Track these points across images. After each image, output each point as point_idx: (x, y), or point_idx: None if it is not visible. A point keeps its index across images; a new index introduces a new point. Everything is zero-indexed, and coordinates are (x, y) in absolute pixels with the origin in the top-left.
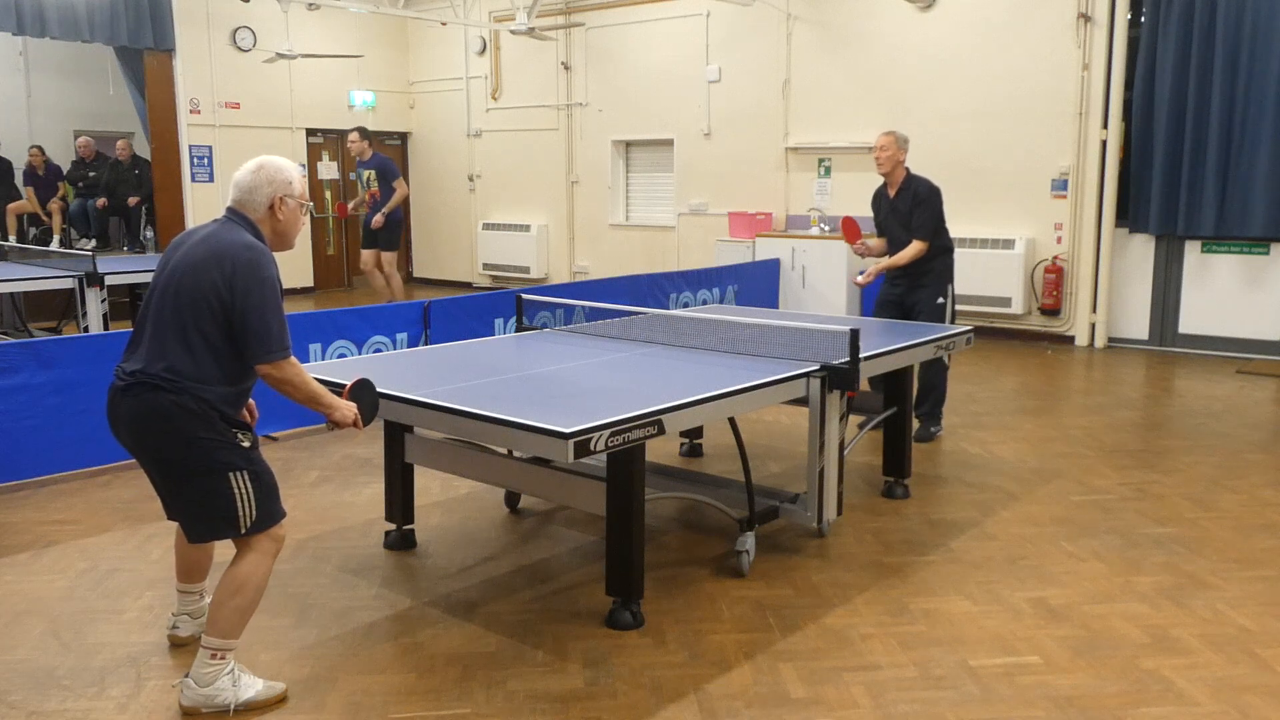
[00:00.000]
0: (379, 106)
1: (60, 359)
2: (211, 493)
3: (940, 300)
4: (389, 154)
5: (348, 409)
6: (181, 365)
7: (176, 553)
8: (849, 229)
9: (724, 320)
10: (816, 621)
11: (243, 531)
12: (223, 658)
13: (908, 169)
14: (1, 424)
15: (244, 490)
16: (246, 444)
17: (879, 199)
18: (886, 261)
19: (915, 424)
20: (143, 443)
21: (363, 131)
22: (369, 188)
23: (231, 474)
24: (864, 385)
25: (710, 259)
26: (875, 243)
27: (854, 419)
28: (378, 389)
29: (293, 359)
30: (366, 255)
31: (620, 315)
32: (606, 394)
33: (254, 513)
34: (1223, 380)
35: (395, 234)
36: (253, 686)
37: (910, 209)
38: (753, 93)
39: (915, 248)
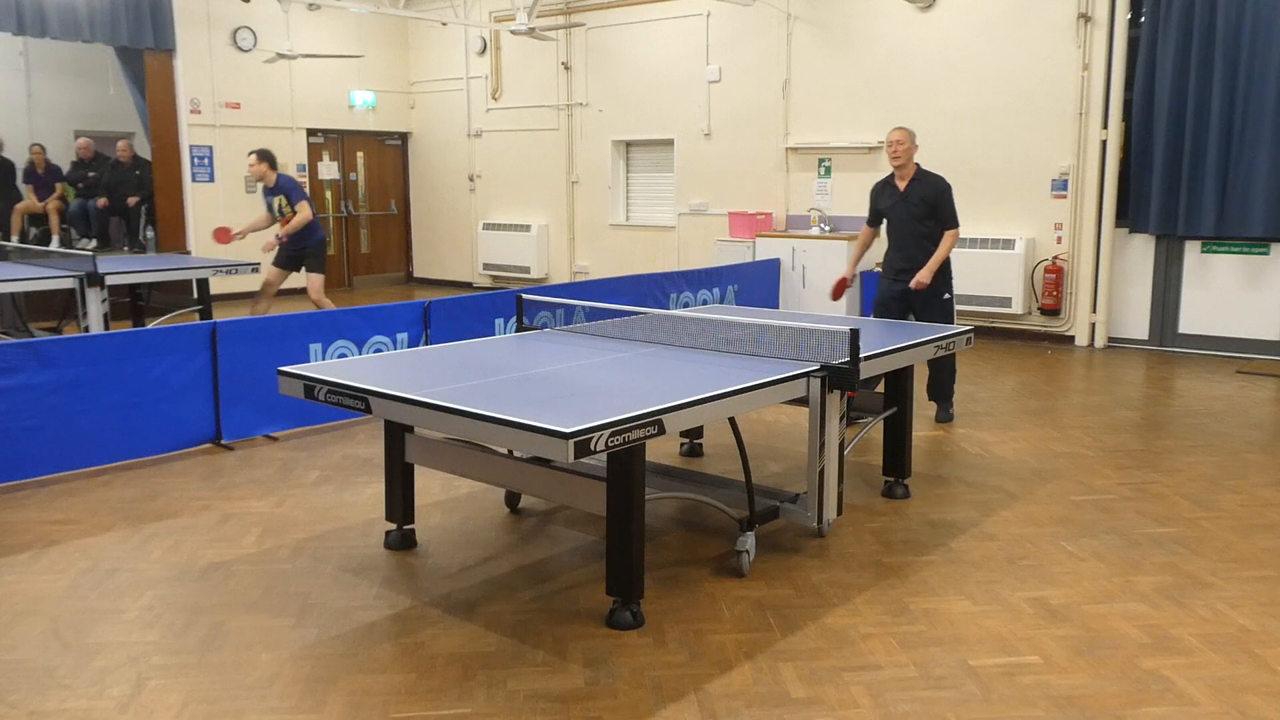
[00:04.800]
0: (379, 106)
1: (60, 359)
2: None
3: (946, 296)
4: (389, 154)
5: None
6: None
7: None
8: (839, 287)
9: (724, 320)
10: (816, 621)
11: None
12: None
13: (917, 164)
14: (1, 424)
15: None
16: None
17: (883, 189)
18: (936, 260)
19: (934, 408)
20: None
21: (261, 154)
22: (282, 215)
23: None
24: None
25: (710, 259)
26: (854, 254)
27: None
28: (380, 389)
29: None
30: (272, 274)
31: (620, 315)
32: (606, 394)
33: None
34: (1223, 380)
35: (321, 256)
36: None
37: (933, 202)
38: (753, 93)
39: (951, 238)
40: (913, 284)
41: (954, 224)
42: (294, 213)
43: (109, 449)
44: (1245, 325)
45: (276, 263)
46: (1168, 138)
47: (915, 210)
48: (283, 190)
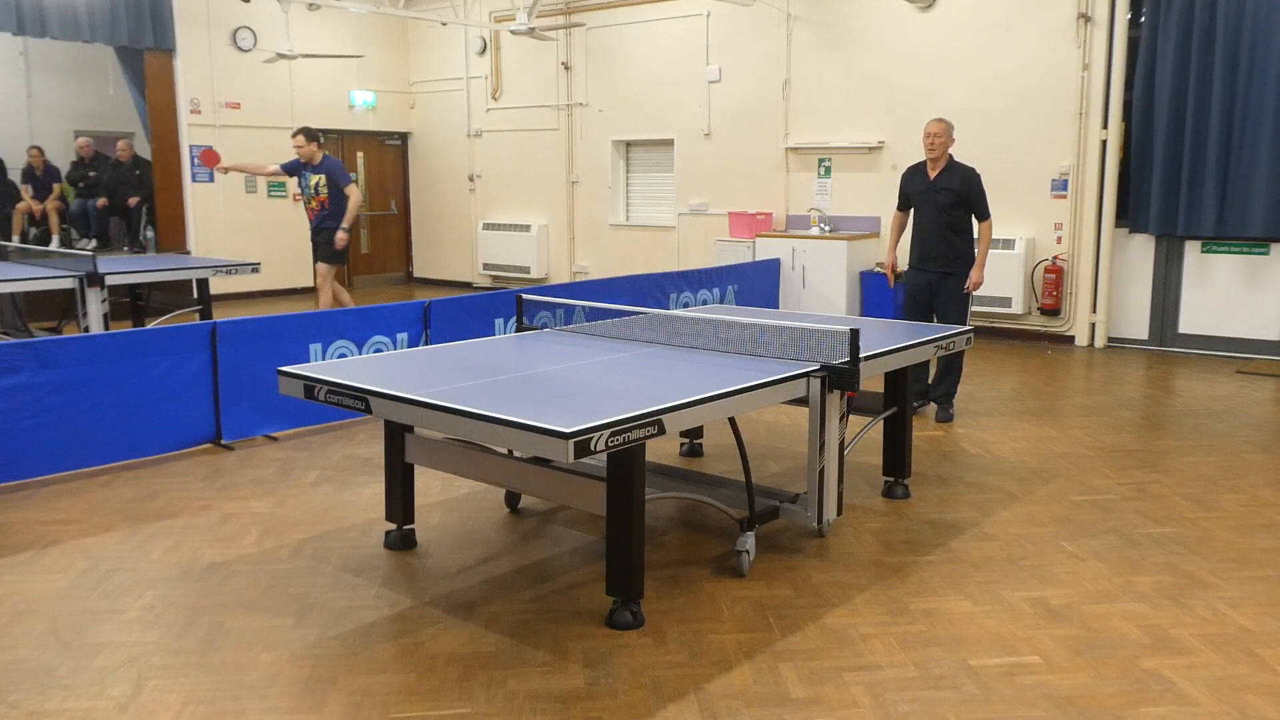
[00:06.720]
0: (379, 106)
1: (60, 359)
2: None
3: (967, 290)
4: (389, 154)
5: None
6: None
7: None
8: (893, 272)
9: (724, 320)
10: (816, 621)
11: None
12: None
13: (950, 155)
14: (1, 424)
15: None
16: None
17: (914, 175)
18: (983, 257)
19: (932, 406)
20: None
21: (309, 133)
22: (316, 194)
23: None
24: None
25: (710, 259)
26: (890, 240)
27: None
28: (380, 389)
29: None
30: (320, 269)
31: (620, 315)
32: (606, 394)
33: None
34: (1223, 380)
35: (344, 246)
36: None
37: (963, 193)
38: (753, 93)
39: (988, 231)
40: (969, 285)
41: (987, 215)
42: (327, 195)
43: (109, 449)
44: (1245, 325)
45: (317, 258)
46: (1168, 138)
47: (942, 199)
48: (327, 169)
